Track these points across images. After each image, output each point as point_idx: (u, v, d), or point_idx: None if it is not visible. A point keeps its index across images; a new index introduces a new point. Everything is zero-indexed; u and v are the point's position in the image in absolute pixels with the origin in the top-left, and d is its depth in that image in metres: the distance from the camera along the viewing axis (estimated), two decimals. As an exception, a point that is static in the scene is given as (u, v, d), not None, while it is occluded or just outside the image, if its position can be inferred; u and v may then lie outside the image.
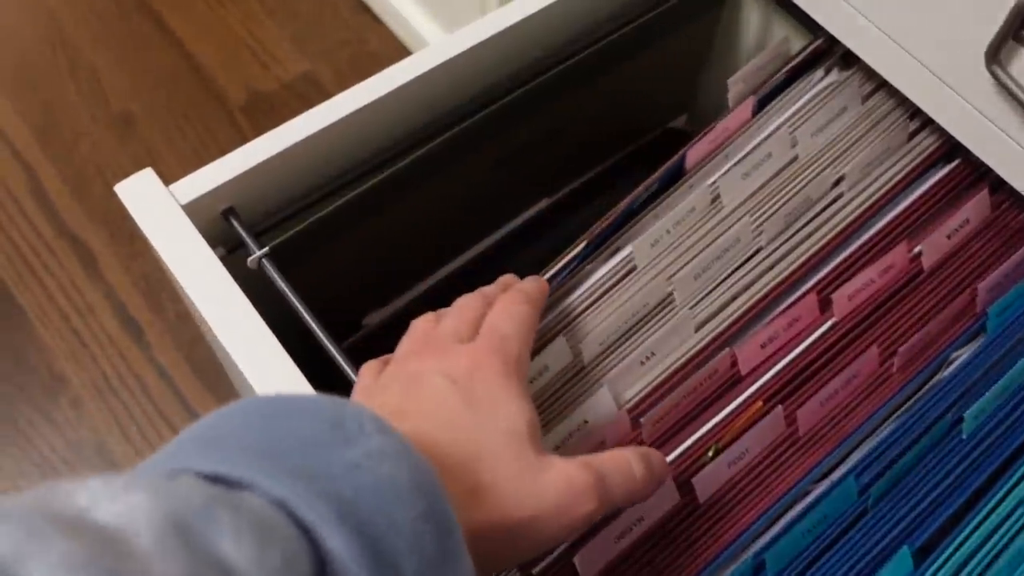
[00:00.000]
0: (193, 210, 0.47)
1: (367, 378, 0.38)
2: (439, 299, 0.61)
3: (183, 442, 0.28)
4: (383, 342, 0.59)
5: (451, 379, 0.34)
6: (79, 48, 1.04)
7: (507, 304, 0.39)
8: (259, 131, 1.02)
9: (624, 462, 0.34)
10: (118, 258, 0.92)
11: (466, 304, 0.40)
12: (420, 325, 0.40)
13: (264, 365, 0.43)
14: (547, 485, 0.32)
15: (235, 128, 1.01)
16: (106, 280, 0.91)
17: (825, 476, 0.42)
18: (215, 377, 0.86)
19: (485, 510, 0.31)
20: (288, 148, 0.49)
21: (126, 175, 0.98)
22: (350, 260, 0.54)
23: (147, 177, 0.47)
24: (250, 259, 0.47)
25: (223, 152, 1.00)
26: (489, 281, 0.64)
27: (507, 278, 0.44)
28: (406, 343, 0.39)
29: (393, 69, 0.52)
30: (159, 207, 0.47)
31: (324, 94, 1.05)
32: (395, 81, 0.51)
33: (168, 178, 0.45)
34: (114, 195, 0.89)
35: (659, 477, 0.35)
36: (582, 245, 0.47)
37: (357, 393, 0.38)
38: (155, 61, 1.05)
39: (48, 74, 1.04)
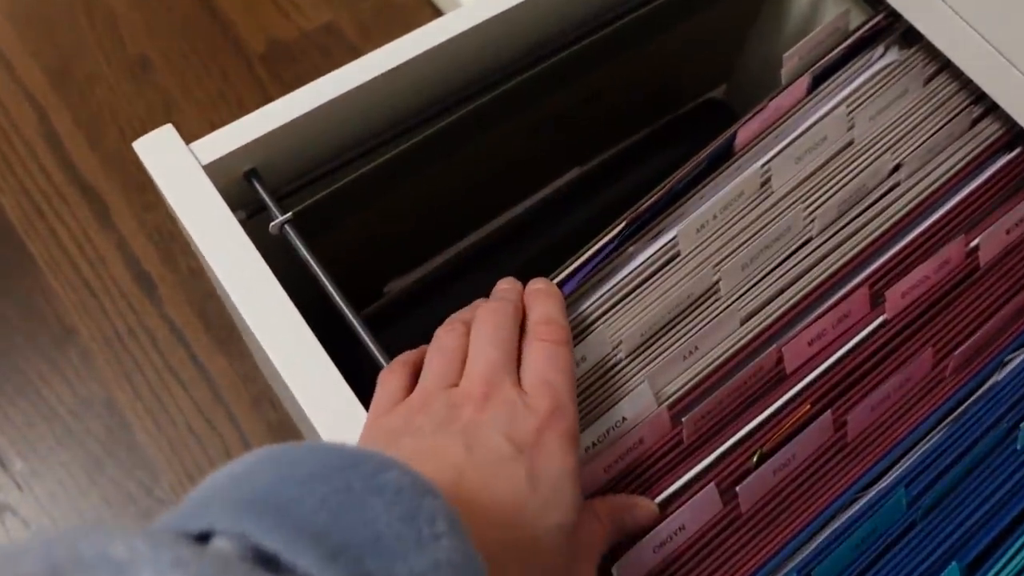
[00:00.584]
0: (214, 170, 0.45)
1: (402, 410, 0.35)
2: (463, 269, 0.59)
3: (243, 489, 0.25)
4: (404, 310, 0.57)
5: (516, 446, 0.33)
6: (95, -12, 1.01)
7: (548, 347, 0.36)
8: (278, 81, 0.99)
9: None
10: (131, 208, 0.90)
11: (495, 321, 0.37)
12: (451, 339, 0.37)
13: (282, 334, 0.41)
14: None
15: (254, 77, 0.98)
16: (118, 230, 0.88)
17: (872, 484, 0.40)
18: (227, 335, 0.84)
19: None
20: (314, 109, 0.46)
21: (141, 122, 0.96)
22: (374, 227, 0.52)
23: (167, 134, 0.45)
24: (272, 224, 0.45)
25: (240, 102, 0.96)
26: (514, 253, 0.62)
27: (507, 287, 0.41)
28: (439, 364, 0.37)
29: (424, 30, 0.49)
30: (179, 166, 0.44)
31: (346, 46, 1.01)
32: (426, 43, 0.48)
33: (184, 126, 0.42)
34: (128, 142, 0.86)
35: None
36: (622, 225, 0.44)
37: (395, 421, 0.35)
38: (173, 6, 1.02)
39: (64, 15, 1.00)
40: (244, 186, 0.47)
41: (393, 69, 0.48)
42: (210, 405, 0.81)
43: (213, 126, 0.92)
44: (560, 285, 0.43)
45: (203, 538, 0.24)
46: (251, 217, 0.47)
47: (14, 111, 0.95)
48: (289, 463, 0.26)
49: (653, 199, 0.45)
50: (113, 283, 0.86)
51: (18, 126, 0.95)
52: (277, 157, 0.47)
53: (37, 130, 0.94)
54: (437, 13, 1.04)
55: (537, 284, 0.41)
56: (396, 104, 0.50)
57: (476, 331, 0.37)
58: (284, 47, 1.00)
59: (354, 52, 1.01)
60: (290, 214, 0.45)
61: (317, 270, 0.44)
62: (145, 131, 0.44)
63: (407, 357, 0.39)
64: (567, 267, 0.44)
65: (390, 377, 0.38)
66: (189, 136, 0.45)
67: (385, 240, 0.54)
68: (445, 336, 0.38)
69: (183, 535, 0.23)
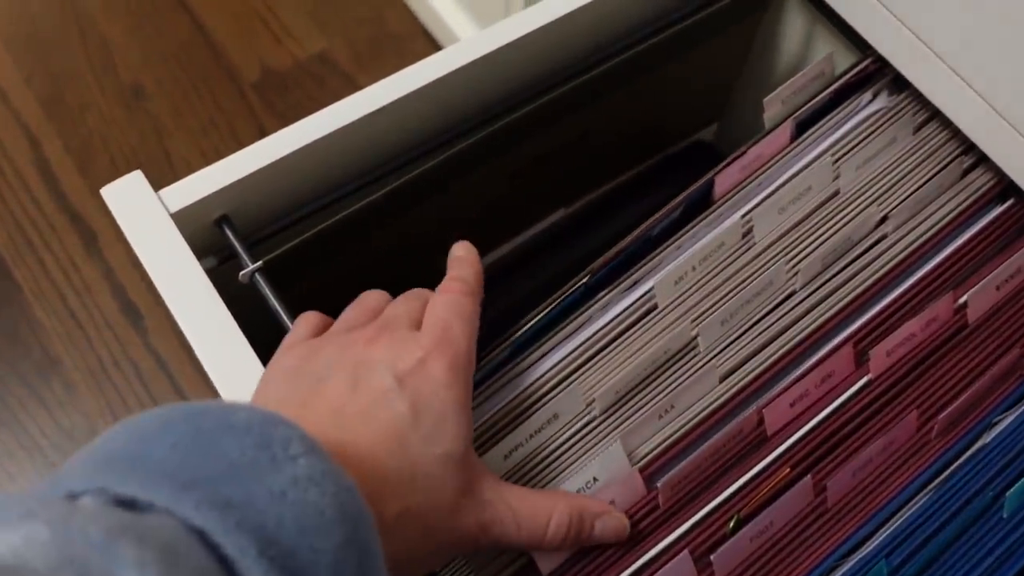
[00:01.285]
0: (183, 218, 0.44)
1: (301, 349, 0.36)
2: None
3: (98, 454, 0.27)
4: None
5: (399, 379, 0.34)
6: (91, 16, 1.01)
7: (450, 296, 0.38)
8: (271, 110, 0.99)
9: (543, 520, 0.35)
10: (119, 237, 0.88)
11: (414, 293, 0.39)
12: (372, 298, 0.40)
13: (243, 388, 0.40)
14: (466, 523, 0.34)
15: (246, 105, 0.98)
16: (106, 260, 0.88)
17: (852, 552, 0.38)
18: (213, 368, 0.83)
19: (407, 535, 0.32)
20: (287, 155, 0.46)
21: (132, 149, 0.95)
22: (348, 275, 0.51)
23: (135, 181, 0.44)
24: (241, 274, 0.44)
25: (232, 130, 0.96)
26: (494, 299, 0.61)
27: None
28: (353, 314, 0.39)
29: (402, 74, 0.48)
30: (147, 214, 0.43)
31: (339, 74, 1.01)
32: (406, 86, 0.48)
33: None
34: (119, 170, 0.85)
35: (588, 539, 0.37)
36: (586, 278, 0.43)
37: (291, 360, 0.36)
38: (167, 32, 1.01)
39: (58, 42, 1.00)
40: (215, 232, 0.46)
41: (373, 112, 0.47)
42: (193, 439, 0.80)
43: (203, 154, 0.92)
44: (527, 336, 0.42)
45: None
46: (222, 264, 0.46)
47: (5, 137, 0.95)
48: (138, 425, 0.27)
49: (623, 246, 0.44)
50: (99, 313, 0.86)
51: (9, 152, 0.94)
52: (249, 202, 0.46)
53: (28, 157, 0.94)
54: (431, 41, 1.04)
55: (458, 251, 0.41)
56: (374, 147, 0.49)
57: (395, 300, 0.39)
58: (277, 75, 1.00)
59: (348, 81, 1.00)
60: (260, 263, 0.44)
61: (286, 320, 0.43)
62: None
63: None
64: (533, 317, 0.43)
65: (306, 318, 0.40)
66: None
67: (358, 284, 0.53)
68: (367, 295, 0.40)
69: (65, 497, 0.25)
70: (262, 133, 0.94)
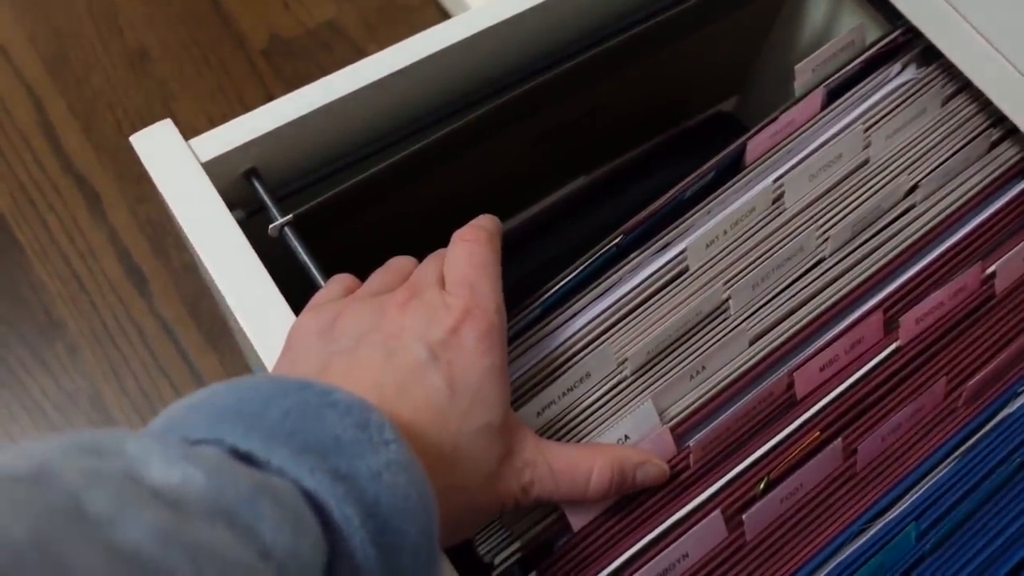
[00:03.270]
0: (213, 168, 0.43)
1: (330, 309, 0.36)
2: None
3: (210, 405, 0.28)
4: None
5: (431, 350, 0.33)
6: (96, -25, 0.99)
7: (469, 246, 0.37)
8: (278, 77, 0.98)
9: (583, 475, 0.35)
10: (124, 200, 0.88)
11: (440, 253, 0.39)
12: (400, 263, 0.40)
13: (277, 339, 0.40)
14: (508, 488, 0.34)
15: (254, 72, 0.97)
16: (110, 222, 0.87)
17: (880, 516, 0.39)
18: (219, 333, 0.82)
19: (451, 509, 0.32)
20: (318, 108, 0.45)
21: (138, 113, 0.94)
22: (375, 231, 0.51)
23: (166, 129, 0.43)
24: (271, 227, 0.44)
25: (240, 96, 0.95)
26: (517, 261, 0.61)
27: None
28: (381, 278, 0.38)
29: (432, 32, 0.47)
30: (177, 162, 0.43)
31: (349, 43, 1.00)
32: (433, 45, 0.47)
33: (181, 119, 0.41)
34: (124, 133, 0.84)
35: (631, 487, 0.37)
36: (619, 237, 0.43)
37: (320, 320, 0.35)
38: (174, -6, 1.00)
39: (63, 2, 0.99)
40: (243, 185, 0.45)
41: (399, 71, 0.47)
42: (198, 404, 0.79)
43: (211, 120, 0.91)
44: (559, 295, 0.42)
45: None
46: (250, 216, 0.46)
47: (8, 97, 0.94)
48: (247, 387, 0.28)
49: (655, 207, 0.44)
50: (104, 276, 0.85)
51: (12, 113, 0.93)
52: (278, 156, 0.46)
53: (32, 117, 0.93)
54: (441, 10, 1.03)
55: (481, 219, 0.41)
56: (400, 107, 0.49)
57: (423, 262, 0.39)
58: (286, 42, 0.99)
59: (357, 49, 0.99)
60: (290, 216, 0.43)
61: (316, 275, 0.42)
62: (142, 122, 0.43)
63: None
64: (566, 276, 0.42)
65: (339, 279, 0.39)
66: (186, 129, 0.43)
67: (385, 244, 0.52)
68: (394, 260, 0.40)
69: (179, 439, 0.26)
70: (270, 99, 0.93)
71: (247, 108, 0.45)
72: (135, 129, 0.43)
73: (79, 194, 0.89)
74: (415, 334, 0.34)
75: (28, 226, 0.87)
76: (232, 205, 0.44)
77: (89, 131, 0.92)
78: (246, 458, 0.26)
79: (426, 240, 0.56)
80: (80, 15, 0.99)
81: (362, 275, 0.42)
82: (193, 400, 0.28)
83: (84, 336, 0.82)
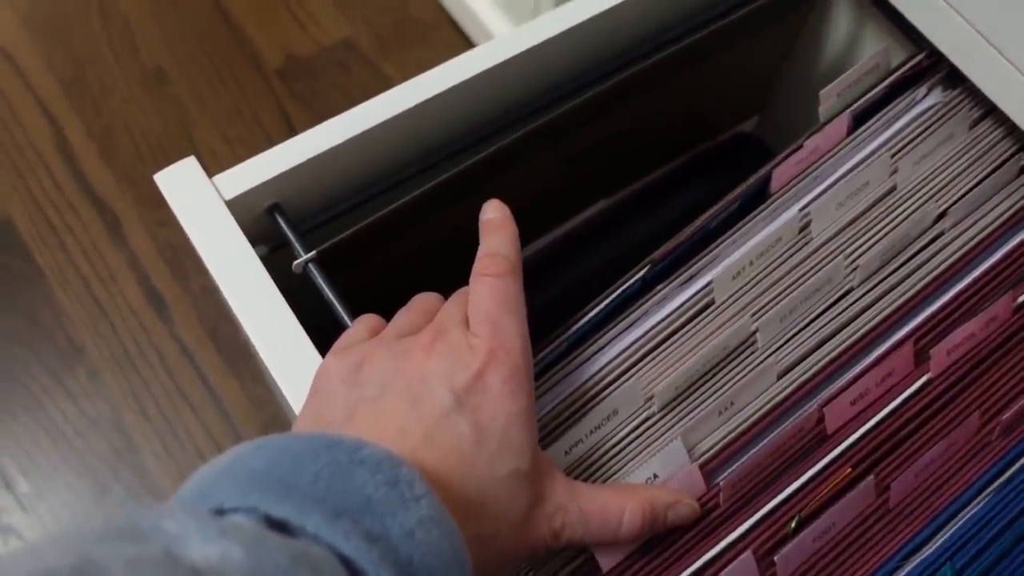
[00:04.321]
0: (237, 205, 0.43)
1: (355, 353, 0.35)
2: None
3: (241, 470, 0.28)
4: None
5: (457, 396, 0.33)
6: (112, -2, 1.00)
7: (491, 280, 0.36)
8: (294, 97, 0.98)
9: (615, 518, 0.35)
10: (144, 223, 0.88)
11: (465, 292, 0.38)
12: (425, 301, 0.39)
13: (301, 376, 0.40)
14: (539, 533, 0.33)
15: (270, 91, 0.97)
16: (130, 247, 0.87)
17: (914, 553, 0.38)
18: (239, 358, 0.82)
19: (481, 559, 0.31)
20: (340, 143, 0.45)
21: (155, 134, 0.95)
22: (399, 262, 0.51)
23: (190, 167, 0.43)
24: (295, 264, 0.44)
25: (256, 116, 0.95)
26: (540, 288, 0.60)
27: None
28: (406, 318, 0.38)
29: (454, 63, 0.47)
30: (201, 200, 0.43)
31: (364, 61, 1.00)
32: (455, 77, 0.47)
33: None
34: (142, 155, 0.84)
35: (663, 527, 0.36)
36: (646, 269, 0.43)
37: (346, 365, 0.35)
38: (190, 17, 1.01)
39: (79, 23, 0.99)
40: (266, 220, 0.45)
41: (422, 103, 0.46)
42: (219, 428, 0.79)
43: (227, 140, 0.92)
44: (584, 330, 0.41)
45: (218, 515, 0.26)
46: (273, 251, 0.46)
47: (28, 121, 0.94)
48: (276, 449, 0.28)
49: (681, 240, 0.44)
50: (124, 301, 0.85)
51: (31, 137, 0.94)
52: (300, 191, 0.46)
53: (50, 141, 0.93)
54: (456, 29, 1.03)
55: (488, 213, 0.40)
56: (425, 137, 0.48)
57: (448, 301, 0.38)
58: (301, 62, 0.99)
59: (372, 68, 1.00)
60: (314, 253, 0.43)
61: (341, 311, 0.42)
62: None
63: None
64: (591, 309, 0.42)
65: (364, 320, 0.39)
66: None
67: (409, 274, 0.52)
68: (419, 298, 0.40)
69: (213, 512, 0.26)
70: (286, 120, 0.93)
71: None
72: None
73: (98, 217, 0.89)
74: (440, 379, 0.33)
75: (48, 250, 0.88)
76: (255, 240, 0.44)
77: (107, 154, 0.93)
78: (281, 525, 0.26)
79: (450, 269, 0.55)
80: (97, 37, 0.99)
81: (386, 306, 0.42)
82: (223, 464, 0.28)
83: (105, 361, 0.83)
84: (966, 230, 0.46)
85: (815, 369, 0.42)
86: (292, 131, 0.91)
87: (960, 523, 0.39)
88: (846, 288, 0.43)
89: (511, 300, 0.36)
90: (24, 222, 0.89)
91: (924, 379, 0.41)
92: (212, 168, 0.42)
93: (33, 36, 0.99)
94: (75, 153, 0.92)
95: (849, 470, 0.39)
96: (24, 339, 0.83)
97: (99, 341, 0.83)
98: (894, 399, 0.41)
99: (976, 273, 0.45)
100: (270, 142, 0.88)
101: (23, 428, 0.80)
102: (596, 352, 0.42)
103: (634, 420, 0.40)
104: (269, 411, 0.79)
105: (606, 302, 0.42)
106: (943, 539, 0.38)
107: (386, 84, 0.90)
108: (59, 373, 0.82)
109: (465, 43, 1.00)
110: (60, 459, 0.78)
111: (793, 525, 0.37)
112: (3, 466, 0.78)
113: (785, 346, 0.42)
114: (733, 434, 0.40)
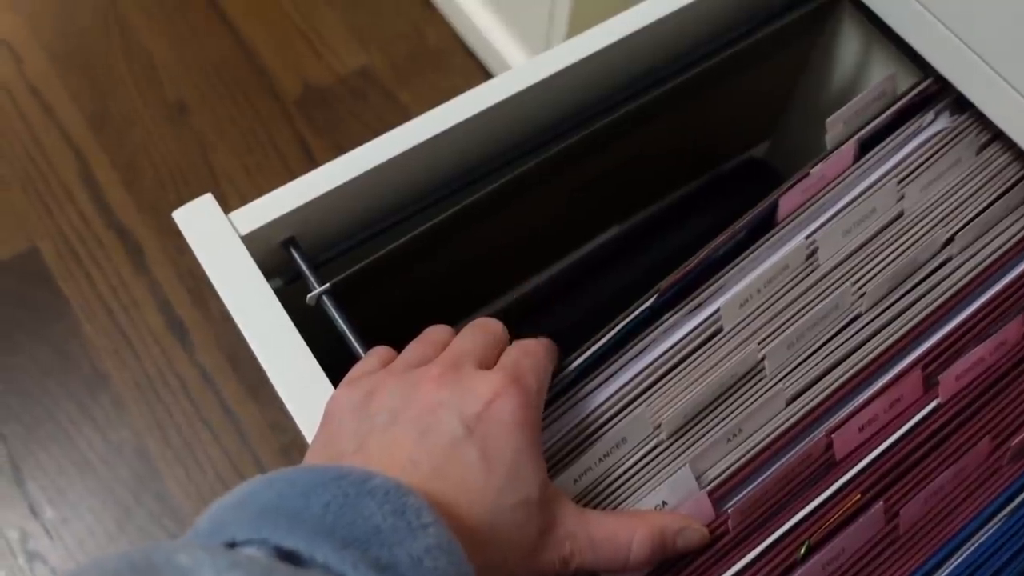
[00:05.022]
0: (252, 241, 0.44)
1: (366, 383, 0.36)
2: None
3: (252, 503, 0.29)
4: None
5: (467, 424, 0.33)
6: (135, 32, 1.02)
7: (525, 344, 0.38)
8: (312, 126, 1.00)
9: (624, 545, 0.35)
10: (165, 251, 0.90)
11: (479, 324, 0.39)
12: (437, 333, 0.40)
13: (316, 407, 0.41)
14: (547, 561, 0.34)
15: (288, 121, 0.99)
16: (152, 274, 0.89)
17: (925, 579, 0.38)
18: (258, 383, 0.83)
19: None
20: (354, 178, 0.46)
21: (177, 164, 0.97)
22: (412, 292, 0.51)
23: (207, 204, 0.45)
24: (309, 296, 0.45)
25: (275, 145, 0.97)
26: (552, 316, 0.61)
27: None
28: (418, 350, 0.38)
29: (471, 94, 0.48)
30: (218, 236, 0.44)
31: (381, 90, 1.02)
32: (467, 111, 0.48)
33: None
34: (164, 185, 0.86)
35: (672, 553, 0.37)
36: (652, 298, 0.43)
37: (356, 395, 0.36)
38: (209, 49, 1.03)
39: (103, 58, 1.02)
40: (281, 253, 0.46)
41: (434, 137, 0.47)
42: (239, 454, 0.80)
43: (247, 170, 0.93)
44: (593, 359, 0.42)
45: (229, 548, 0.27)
46: (288, 284, 0.47)
47: (53, 153, 0.97)
48: (286, 482, 0.29)
49: (688, 268, 0.44)
50: (146, 328, 0.87)
51: (56, 168, 0.96)
52: (315, 224, 0.47)
53: (75, 172, 0.95)
54: (470, 57, 1.04)
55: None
56: (436, 171, 0.49)
57: (460, 333, 0.39)
58: (319, 91, 1.01)
59: (388, 96, 1.01)
60: (328, 285, 0.44)
61: (355, 343, 0.43)
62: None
63: None
64: (600, 338, 0.43)
65: (377, 352, 0.40)
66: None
67: (422, 303, 0.53)
68: (431, 330, 0.40)
69: (227, 544, 0.27)
70: (304, 148, 0.95)
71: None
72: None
73: (122, 248, 0.91)
74: (450, 408, 0.34)
75: (73, 280, 0.89)
76: (270, 273, 0.45)
77: (130, 184, 0.95)
78: (292, 556, 0.27)
79: (462, 296, 0.56)
80: (120, 71, 1.01)
81: (400, 335, 0.43)
82: (236, 497, 0.29)
83: (128, 388, 0.84)
84: (974, 255, 0.46)
85: (823, 396, 0.42)
86: (310, 160, 0.93)
87: (971, 549, 0.39)
88: (854, 314, 0.44)
89: (539, 359, 0.37)
90: (50, 253, 0.91)
91: (933, 404, 0.41)
92: (231, 195, 0.44)
93: (59, 70, 1.02)
94: (99, 184, 0.94)
95: (858, 496, 0.39)
96: (52, 370, 0.85)
97: (123, 369, 0.84)
98: (903, 425, 0.41)
99: (985, 297, 0.45)
100: (288, 170, 0.90)
101: (50, 457, 0.81)
102: (604, 381, 0.42)
103: (643, 448, 0.40)
104: (288, 436, 0.80)
105: (614, 331, 0.42)
106: (954, 565, 0.39)
107: (402, 111, 0.92)
108: (85, 402, 0.83)
109: (479, 69, 1.01)
110: (85, 487, 0.79)
111: (802, 551, 0.38)
112: (32, 494, 0.79)
113: (793, 373, 0.42)
114: (742, 461, 0.40)
